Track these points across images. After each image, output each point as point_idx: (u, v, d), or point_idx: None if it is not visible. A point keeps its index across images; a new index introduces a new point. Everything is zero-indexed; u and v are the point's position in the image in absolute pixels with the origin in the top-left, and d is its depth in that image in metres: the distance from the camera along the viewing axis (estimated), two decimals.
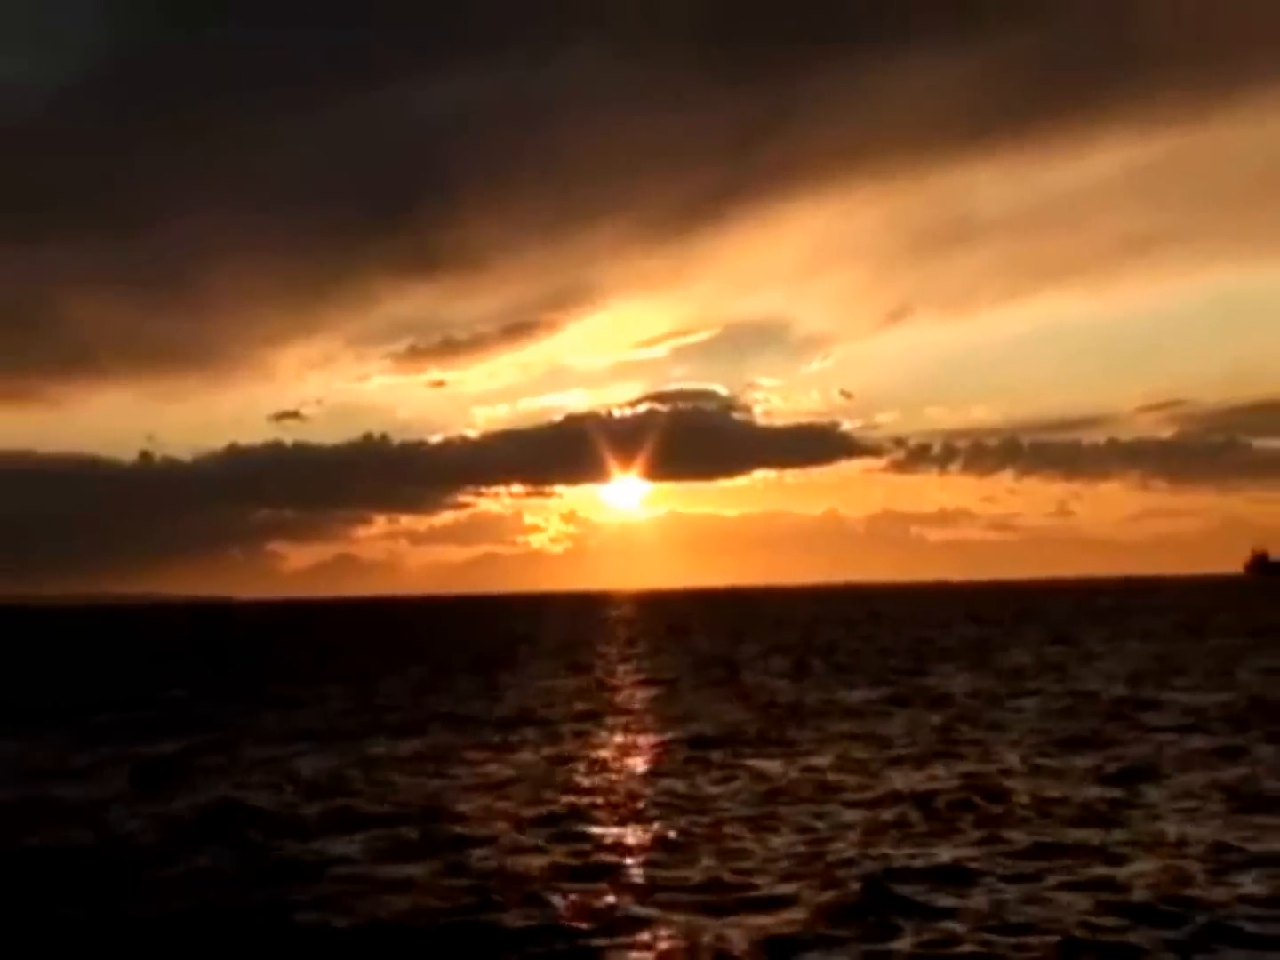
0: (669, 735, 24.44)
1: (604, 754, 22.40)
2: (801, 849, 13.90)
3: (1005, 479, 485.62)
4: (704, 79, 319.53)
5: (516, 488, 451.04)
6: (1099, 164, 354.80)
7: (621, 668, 44.97)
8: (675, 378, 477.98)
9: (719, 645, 59.78)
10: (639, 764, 21.20)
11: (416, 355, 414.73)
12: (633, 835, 15.11)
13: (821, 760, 20.35)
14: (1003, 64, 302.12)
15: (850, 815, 15.70)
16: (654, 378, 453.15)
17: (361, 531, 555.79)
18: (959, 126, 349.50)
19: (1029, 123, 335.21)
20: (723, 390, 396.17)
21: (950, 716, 26.10)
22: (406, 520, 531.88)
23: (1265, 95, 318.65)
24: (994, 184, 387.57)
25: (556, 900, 12.11)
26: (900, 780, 18.27)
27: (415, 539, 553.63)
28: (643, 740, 24.28)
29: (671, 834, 14.82)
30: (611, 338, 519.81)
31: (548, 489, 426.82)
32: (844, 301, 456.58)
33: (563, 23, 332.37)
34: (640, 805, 17.03)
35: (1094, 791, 16.96)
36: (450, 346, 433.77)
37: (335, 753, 23.10)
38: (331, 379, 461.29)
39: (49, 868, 14.20)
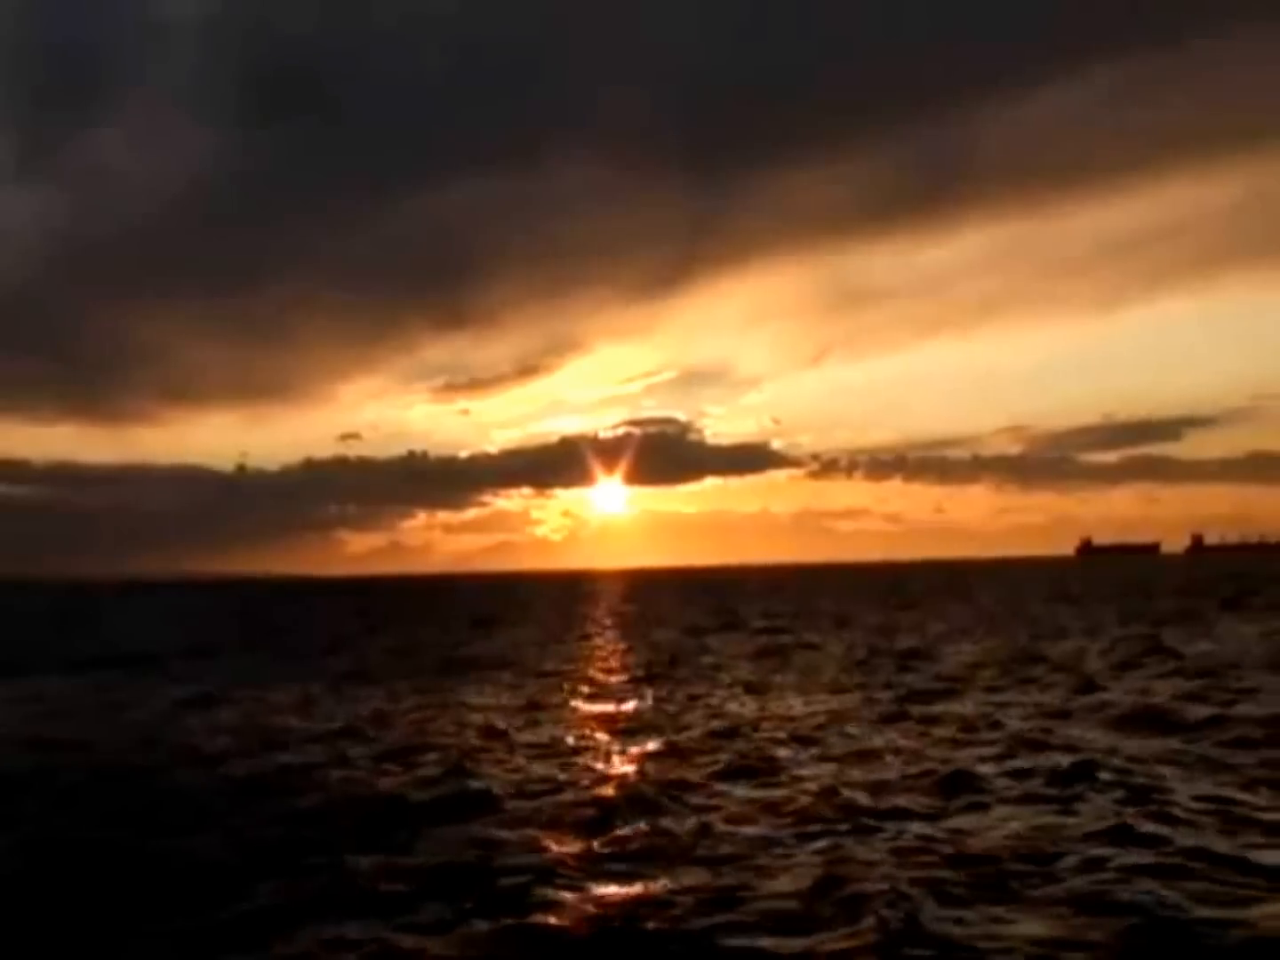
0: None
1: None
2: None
3: (895, 484, 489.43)
4: (666, 178, 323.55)
5: (525, 491, 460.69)
6: (962, 244, 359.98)
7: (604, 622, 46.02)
8: (646, 408, 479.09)
9: (672, 607, 59.92)
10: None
11: (449, 390, 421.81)
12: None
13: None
14: (886, 170, 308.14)
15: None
16: (630, 407, 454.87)
17: (407, 524, 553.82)
18: (854, 218, 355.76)
19: (908, 213, 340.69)
20: (682, 417, 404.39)
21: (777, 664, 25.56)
22: (441, 515, 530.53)
23: (1075, 196, 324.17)
24: (884, 260, 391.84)
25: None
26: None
27: (448, 530, 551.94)
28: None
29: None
30: (597, 377, 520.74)
31: (549, 492, 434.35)
32: (774, 349, 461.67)
33: (555, 136, 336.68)
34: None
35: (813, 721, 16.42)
36: (475, 383, 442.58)
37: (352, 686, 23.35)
38: (384, 408, 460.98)
39: (111, 760, 14.45)
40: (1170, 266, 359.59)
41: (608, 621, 50.10)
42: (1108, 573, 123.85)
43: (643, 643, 34.91)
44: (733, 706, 18.68)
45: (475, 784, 12.41)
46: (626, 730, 16.44)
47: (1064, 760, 12.49)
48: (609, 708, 19.11)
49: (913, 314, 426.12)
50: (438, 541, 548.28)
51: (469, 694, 21.46)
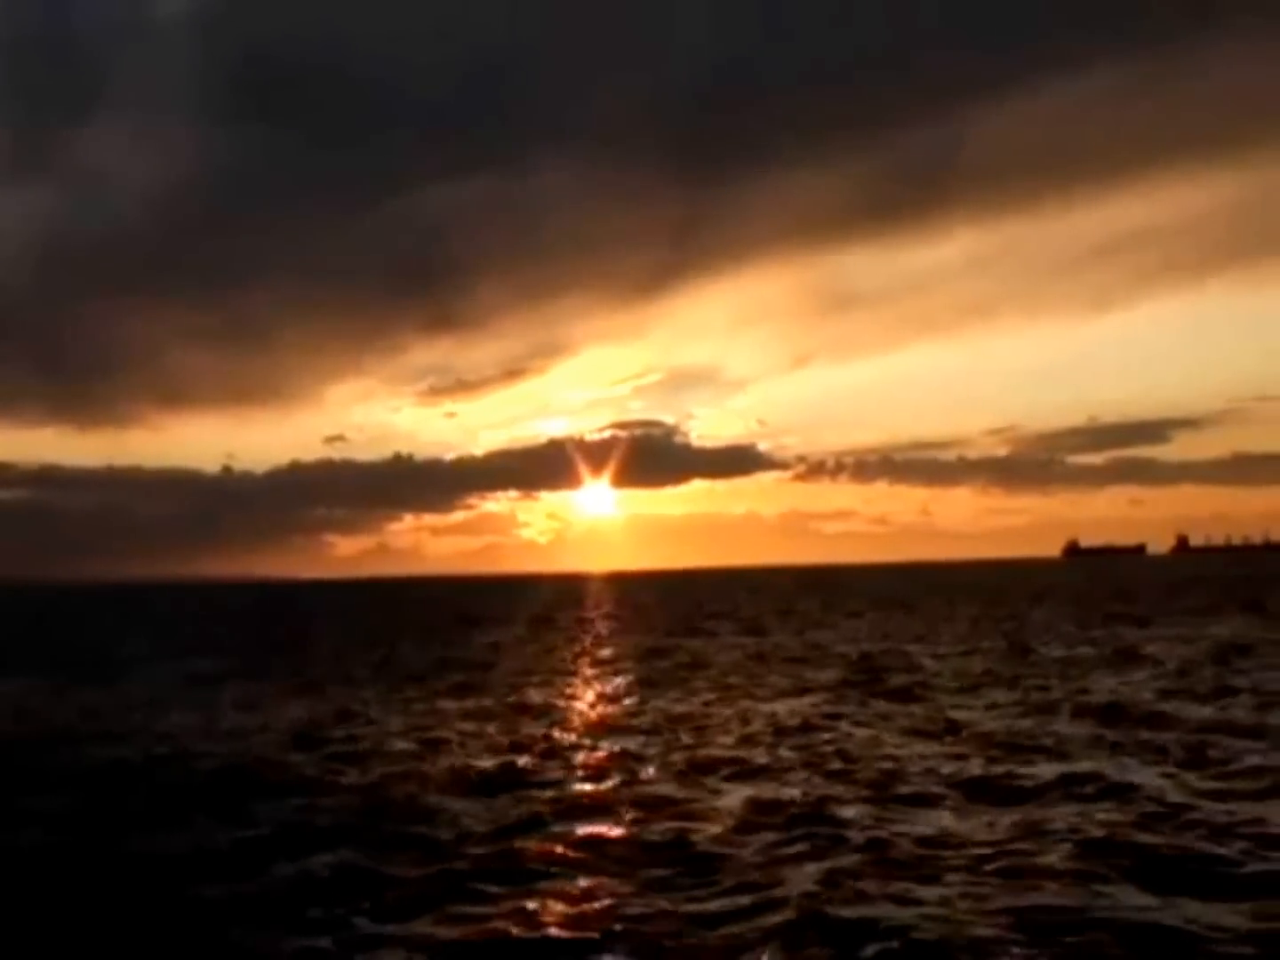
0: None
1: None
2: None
3: (881, 486, 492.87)
4: (652, 181, 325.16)
5: (512, 493, 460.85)
6: (947, 247, 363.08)
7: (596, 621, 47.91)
8: (633, 410, 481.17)
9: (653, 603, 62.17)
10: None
11: (435, 392, 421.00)
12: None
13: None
14: (874, 172, 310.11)
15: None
16: (617, 410, 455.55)
17: (394, 526, 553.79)
18: (840, 221, 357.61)
19: (894, 217, 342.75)
20: (669, 419, 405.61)
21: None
22: (428, 518, 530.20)
23: (1062, 198, 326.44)
24: (868, 264, 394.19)
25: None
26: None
27: (435, 532, 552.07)
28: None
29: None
30: (584, 379, 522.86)
31: (535, 494, 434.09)
32: (760, 352, 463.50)
33: (542, 139, 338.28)
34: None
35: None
36: (461, 386, 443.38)
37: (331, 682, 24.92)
38: (370, 410, 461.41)
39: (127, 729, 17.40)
40: (1156, 269, 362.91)
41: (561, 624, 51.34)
42: (1093, 574, 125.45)
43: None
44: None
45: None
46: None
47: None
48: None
49: (899, 316, 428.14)
50: (425, 544, 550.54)
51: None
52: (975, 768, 12.55)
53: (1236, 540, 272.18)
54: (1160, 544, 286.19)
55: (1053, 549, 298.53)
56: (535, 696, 21.20)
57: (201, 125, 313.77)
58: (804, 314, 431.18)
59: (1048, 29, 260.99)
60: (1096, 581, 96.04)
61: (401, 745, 15.54)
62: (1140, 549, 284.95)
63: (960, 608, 53.60)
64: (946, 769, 12.54)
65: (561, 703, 20.34)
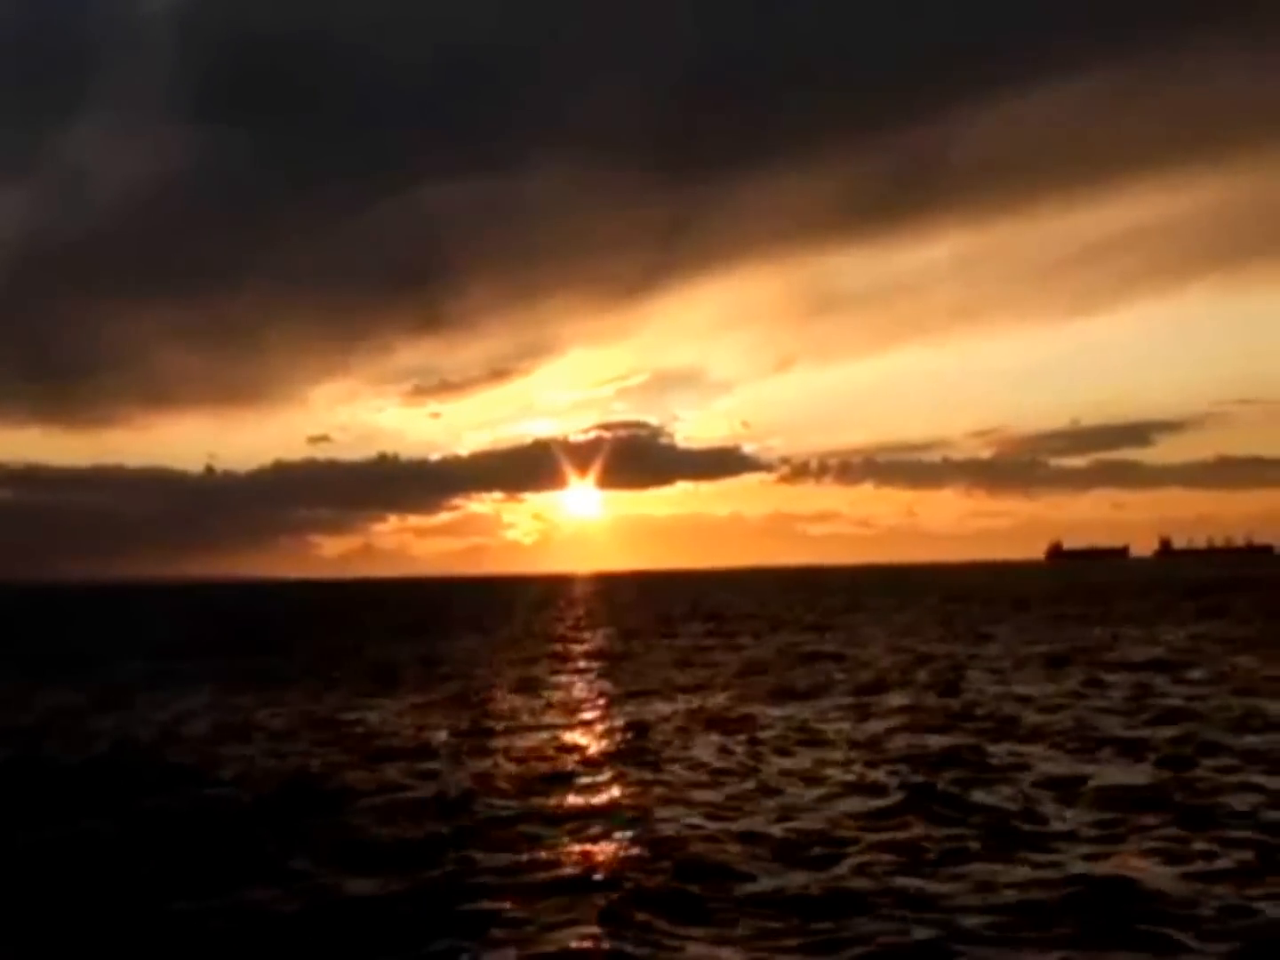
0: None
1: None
2: None
3: (866, 488, 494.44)
4: (639, 183, 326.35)
5: (497, 494, 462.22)
6: (933, 251, 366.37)
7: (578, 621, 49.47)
8: (618, 411, 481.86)
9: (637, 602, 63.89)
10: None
11: (420, 393, 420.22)
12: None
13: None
14: (858, 175, 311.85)
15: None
16: (602, 411, 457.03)
17: (379, 527, 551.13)
18: (828, 222, 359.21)
19: (880, 220, 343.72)
20: (653, 421, 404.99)
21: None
22: (413, 519, 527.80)
23: (1048, 201, 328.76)
24: (855, 265, 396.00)
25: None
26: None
27: (420, 533, 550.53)
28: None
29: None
30: (570, 380, 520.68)
31: (520, 495, 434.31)
32: (744, 354, 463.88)
33: (529, 140, 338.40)
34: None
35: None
36: (446, 386, 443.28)
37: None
38: (355, 411, 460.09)
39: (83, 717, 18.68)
40: (1139, 272, 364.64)
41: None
42: (1076, 576, 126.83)
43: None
44: None
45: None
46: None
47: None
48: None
49: (884, 318, 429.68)
50: (410, 545, 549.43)
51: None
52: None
53: (1219, 542, 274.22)
54: (1143, 546, 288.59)
55: (1037, 551, 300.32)
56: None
57: (187, 124, 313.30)
58: (789, 316, 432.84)
59: (1036, 33, 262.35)
60: (1070, 584, 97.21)
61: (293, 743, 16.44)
62: (1124, 551, 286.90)
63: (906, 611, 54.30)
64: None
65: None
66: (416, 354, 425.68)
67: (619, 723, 17.19)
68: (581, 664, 28.47)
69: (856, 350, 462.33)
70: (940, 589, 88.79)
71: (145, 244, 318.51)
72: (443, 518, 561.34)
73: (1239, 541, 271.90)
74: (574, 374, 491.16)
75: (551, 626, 48.33)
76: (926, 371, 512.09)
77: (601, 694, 21.48)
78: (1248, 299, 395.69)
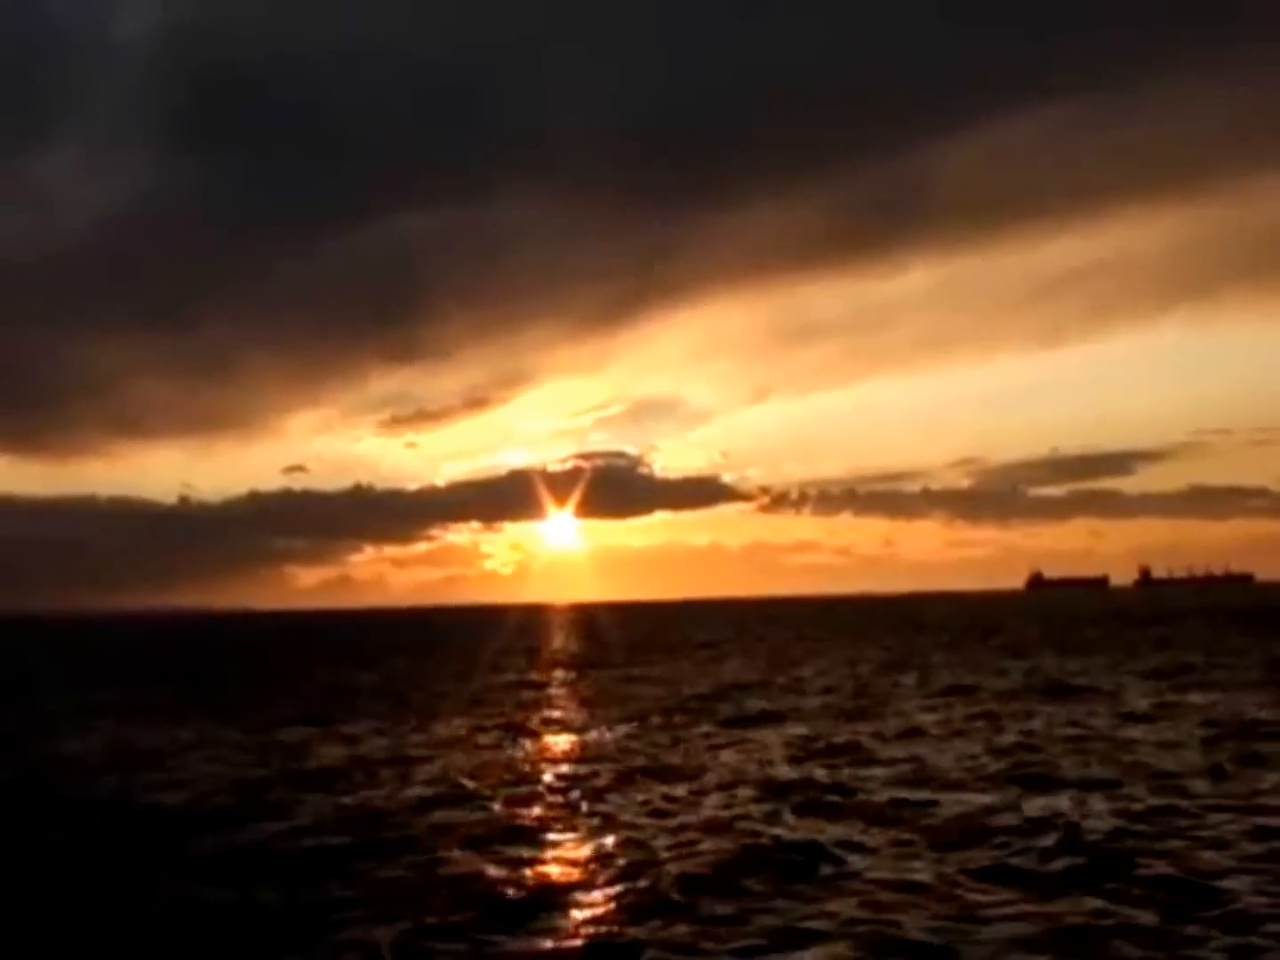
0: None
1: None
2: None
3: (845, 518, 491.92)
4: (616, 213, 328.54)
5: (474, 524, 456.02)
6: (906, 281, 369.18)
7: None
8: (595, 441, 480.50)
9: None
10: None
11: (396, 422, 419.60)
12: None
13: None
14: (833, 206, 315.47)
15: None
16: (579, 441, 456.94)
17: (355, 558, 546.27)
18: (804, 253, 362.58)
19: (855, 250, 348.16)
20: (631, 450, 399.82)
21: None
22: (390, 549, 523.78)
23: (1021, 233, 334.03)
24: (828, 296, 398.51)
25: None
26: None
27: (397, 563, 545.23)
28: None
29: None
30: (547, 410, 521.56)
31: (498, 525, 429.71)
32: (722, 383, 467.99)
33: (505, 171, 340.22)
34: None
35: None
36: (423, 416, 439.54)
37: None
38: (331, 440, 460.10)
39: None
40: (1114, 302, 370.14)
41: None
42: (1055, 606, 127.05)
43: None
44: None
45: None
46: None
47: None
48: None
49: (860, 348, 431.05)
50: (387, 575, 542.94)
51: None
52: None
53: (1199, 571, 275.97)
54: (1123, 575, 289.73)
55: (1016, 581, 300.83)
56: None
57: (159, 151, 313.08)
58: (765, 346, 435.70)
59: (1007, 66, 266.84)
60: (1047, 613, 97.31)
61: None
62: (1104, 580, 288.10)
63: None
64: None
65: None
66: (393, 383, 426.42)
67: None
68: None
69: (834, 380, 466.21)
70: (913, 619, 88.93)
71: (117, 272, 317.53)
72: (420, 548, 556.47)
73: (1218, 570, 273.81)
74: (551, 404, 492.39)
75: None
76: (904, 401, 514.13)
77: None
78: (1220, 329, 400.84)
